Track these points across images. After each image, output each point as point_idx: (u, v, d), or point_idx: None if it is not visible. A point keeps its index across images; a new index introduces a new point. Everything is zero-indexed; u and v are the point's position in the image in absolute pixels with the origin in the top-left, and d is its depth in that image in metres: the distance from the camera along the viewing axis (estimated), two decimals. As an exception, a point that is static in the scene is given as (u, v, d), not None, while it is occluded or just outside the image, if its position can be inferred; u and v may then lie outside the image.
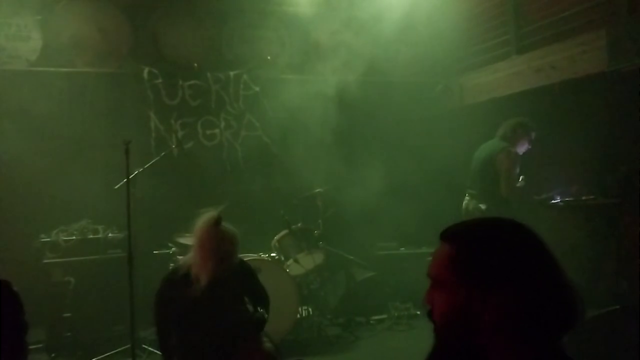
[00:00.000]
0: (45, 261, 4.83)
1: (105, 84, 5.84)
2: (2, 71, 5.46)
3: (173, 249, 5.06)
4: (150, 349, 4.68)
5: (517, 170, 4.93)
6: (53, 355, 4.69)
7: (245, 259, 3.53)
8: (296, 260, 5.04)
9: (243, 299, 3.19)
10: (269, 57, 6.46)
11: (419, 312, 5.59)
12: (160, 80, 6.00)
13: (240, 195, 5.69)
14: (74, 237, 4.97)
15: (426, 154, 6.27)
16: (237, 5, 6.39)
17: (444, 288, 1.26)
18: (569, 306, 1.19)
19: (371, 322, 5.56)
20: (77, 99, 5.73)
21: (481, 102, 6.37)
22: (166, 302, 3.07)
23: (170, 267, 4.81)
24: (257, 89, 6.36)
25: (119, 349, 4.55)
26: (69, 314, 4.75)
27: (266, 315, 3.22)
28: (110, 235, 5.08)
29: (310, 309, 5.20)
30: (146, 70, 5.95)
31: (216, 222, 3.01)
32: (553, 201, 4.86)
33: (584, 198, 4.77)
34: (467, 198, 5.21)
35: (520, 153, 4.95)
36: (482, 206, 4.96)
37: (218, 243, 2.99)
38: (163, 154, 5.30)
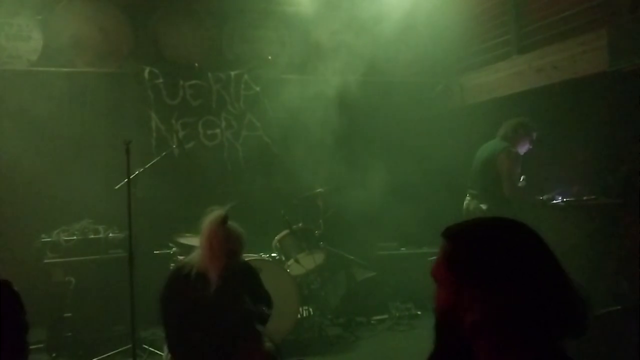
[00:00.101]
0: (46, 261, 4.83)
1: (106, 84, 5.84)
2: (3, 71, 5.47)
3: (174, 249, 5.06)
4: (150, 349, 4.69)
5: (519, 170, 4.93)
6: (54, 355, 4.69)
7: (246, 259, 3.53)
8: (297, 260, 5.04)
9: (246, 299, 3.19)
10: (269, 57, 6.46)
11: (419, 312, 5.60)
12: (161, 80, 6.00)
13: (241, 195, 5.66)
14: (74, 237, 4.97)
15: (427, 154, 6.27)
16: (237, 5, 6.39)
17: (441, 285, 1.27)
18: (570, 307, 1.18)
19: (372, 322, 5.55)
20: (77, 99, 5.74)
21: (482, 102, 6.37)
22: (172, 298, 3.08)
23: (172, 267, 4.84)
24: (258, 88, 6.36)
25: (120, 349, 4.56)
26: (69, 314, 4.75)
27: (269, 311, 3.22)
28: (111, 235, 5.08)
29: (310, 309, 5.20)
30: (147, 70, 5.95)
31: (223, 221, 3.03)
32: (554, 201, 4.86)
33: (584, 198, 4.76)
34: (468, 198, 5.21)
35: (521, 153, 4.95)
36: (483, 206, 4.96)
37: (225, 241, 3.01)
38: (164, 154, 5.31)
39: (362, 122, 6.48)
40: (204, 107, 6.20)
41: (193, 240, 4.83)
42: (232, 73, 6.29)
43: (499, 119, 5.18)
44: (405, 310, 5.60)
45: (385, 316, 5.65)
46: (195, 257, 3.10)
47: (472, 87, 6.60)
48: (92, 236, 5.05)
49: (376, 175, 5.87)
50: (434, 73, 6.99)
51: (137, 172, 4.71)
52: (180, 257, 4.85)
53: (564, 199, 4.80)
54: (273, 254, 5.21)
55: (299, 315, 4.89)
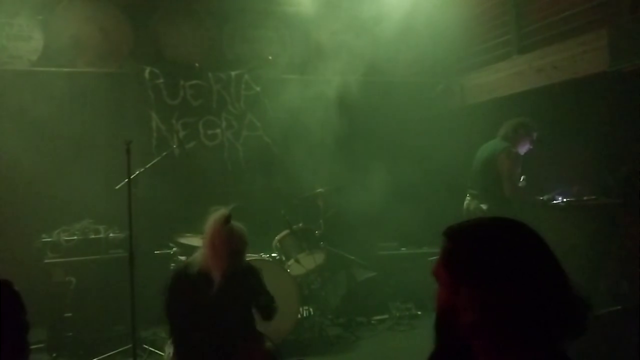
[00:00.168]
0: (47, 261, 4.83)
1: (106, 84, 5.85)
2: (4, 71, 5.47)
3: (174, 249, 5.06)
4: (151, 349, 4.69)
5: (519, 170, 4.93)
6: (54, 355, 4.69)
7: (247, 259, 3.53)
8: (297, 260, 5.04)
9: (248, 300, 3.19)
10: (270, 57, 6.46)
11: (420, 312, 5.59)
12: (161, 80, 6.00)
13: (242, 195, 5.67)
14: (75, 237, 4.97)
15: (427, 153, 6.27)
16: (238, 5, 6.40)
17: (441, 285, 1.27)
18: (569, 307, 1.18)
19: (372, 322, 5.55)
20: (78, 99, 5.74)
21: (482, 102, 6.37)
22: (175, 297, 3.09)
23: (172, 266, 4.85)
24: (258, 88, 6.36)
25: (120, 349, 4.55)
26: (70, 314, 4.75)
27: (275, 304, 3.22)
28: (111, 235, 5.08)
29: (311, 309, 5.21)
30: (147, 70, 5.96)
31: (226, 221, 3.04)
32: (554, 201, 4.86)
33: (585, 198, 4.76)
34: (468, 198, 5.21)
35: (522, 153, 4.95)
36: (484, 206, 4.96)
37: (228, 241, 3.02)
38: (164, 154, 5.31)
39: (363, 122, 6.48)
40: (204, 107, 6.20)
41: (193, 240, 4.83)
42: (233, 73, 6.30)
43: (499, 119, 5.18)
44: (405, 310, 5.59)
45: (386, 316, 5.64)
46: (198, 256, 3.11)
47: (473, 87, 6.60)
48: (93, 236, 5.05)
49: (376, 175, 5.87)
50: (434, 73, 7.00)
51: (137, 172, 4.71)
52: (181, 257, 4.87)
53: (564, 199, 4.81)
54: (273, 254, 5.21)
55: (299, 315, 4.89)
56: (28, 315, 1.95)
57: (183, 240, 4.93)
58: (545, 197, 4.91)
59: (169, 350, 3.17)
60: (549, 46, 5.37)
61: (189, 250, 4.84)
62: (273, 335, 3.34)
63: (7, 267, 4.38)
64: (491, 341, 1.19)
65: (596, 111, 4.99)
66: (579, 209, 4.78)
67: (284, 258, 5.14)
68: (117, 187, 4.68)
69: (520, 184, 4.97)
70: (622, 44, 4.44)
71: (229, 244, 3.02)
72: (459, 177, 5.59)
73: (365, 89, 6.33)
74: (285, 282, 4.70)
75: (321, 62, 6.43)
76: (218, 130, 6.24)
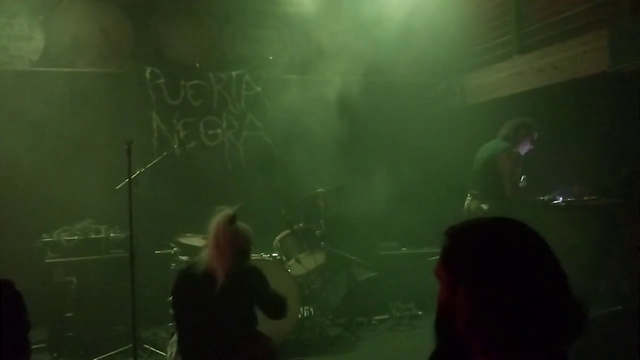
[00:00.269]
0: (47, 261, 4.83)
1: (107, 84, 5.85)
2: (5, 71, 5.48)
3: (175, 249, 5.06)
4: (152, 348, 4.69)
5: (519, 170, 4.93)
6: (55, 354, 4.70)
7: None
8: (298, 260, 5.04)
9: (250, 300, 3.19)
10: (270, 57, 6.46)
11: (420, 312, 5.59)
12: (162, 80, 6.01)
13: (242, 195, 5.68)
14: (75, 237, 4.97)
15: (427, 154, 6.27)
16: (238, 5, 6.40)
17: (441, 284, 1.27)
18: (567, 308, 1.18)
19: (373, 322, 5.55)
20: (78, 99, 5.74)
21: (483, 102, 6.37)
22: (179, 296, 3.10)
23: (173, 266, 4.86)
24: (259, 89, 6.37)
25: (121, 349, 4.56)
26: (70, 314, 4.75)
27: (279, 300, 3.22)
28: (112, 235, 5.08)
29: (311, 309, 5.21)
30: (148, 71, 5.96)
31: (230, 220, 3.04)
32: (555, 201, 4.86)
33: (585, 198, 4.76)
34: (469, 198, 5.21)
35: (522, 153, 4.95)
36: (484, 206, 4.96)
37: (232, 241, 3.01)
38: (165, 154, 5.32)
39: (363, 122, 6.48)
40: (205, 107, 6.20)
41: (194, 241, 4.84)
42: (233, 73, 6.30)
43: (500, 119, 5.18)
44: (406, 311, 5.59)
45: (386, 316, 5.64)
46: (204, 256, 3.11)
47: (473, 87, 6.60)
48: (93, 236, 5.05)
49: (377, 175, 5.87)
50: (434, 73, 7.00)
51: (138, 172, 4.72)
52: (182, 257, 4.87)
53: (565, 199, 4.81)
54: (274, 254, 5.21)
55: (299, 316, 4.89)
56: (29, 315, 1.96)
57: (183, 241, 4.93)
58: (546, 197, 4.91)
59: (171, 350, 3.17)
60: (550, 46, 5.37)
61: (189, 250, 4.84)
62: (273, 335, 3.34)
63: (7, 267, 4.39)
64: (490, 341, 1.18)
65: (596, 111, 4.99)
66: (579, 209, 4.78)
67: (284, 258, 5.14)
68: (117, 187, 4.68)
69: (521, 184, 4.96)
70: (622, 44, 4.44)
71: (234, 244, 3.02)
72: (459, 177, 5.59)
73: (366, 89, 6.32)
74: (286, 282, 4.69)
75: (322, 62, 6.44)
76: (219, 131, 6.25)
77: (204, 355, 3.00)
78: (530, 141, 4.98)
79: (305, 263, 5.06)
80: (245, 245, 3.09)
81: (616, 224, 4.59)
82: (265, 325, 3.30)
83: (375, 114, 6.52)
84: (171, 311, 3.12)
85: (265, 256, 5.04)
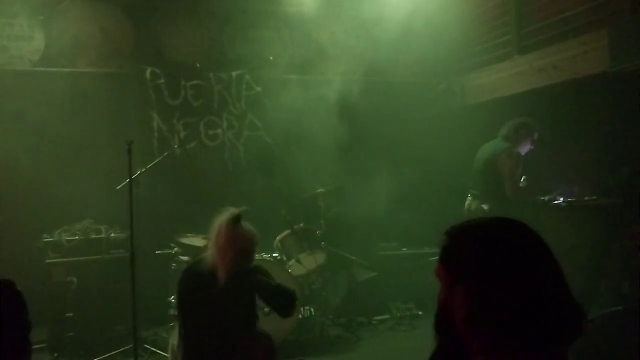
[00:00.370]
0: (48, 261, 4.83)
1: (107, 84, 5.85)
2: (5, 71, 5.48)
3: (175, 249, 5.06)
4: (152, 349, 4.69)
5: (520, 170, 4.93)
6: (55, 354, 4.70)
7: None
8: (298, 260, 5.04)
9: (250, 300, 3.19)
10: (271, 57, 6.47)
11: (420, 312, 5.60)
12: (162, 81, 6.01)
13: (242, 196, 5.69)
14: (76, 237, 4.97)
15: (428, 154, 6.26)
16: (238, 5, 6.40)
17: (440, 283, 1.27)
18: (567, 308, 1.18)
19: (373, 322, 5.55)
20: (79, 99, 5.75)
21: (483, 102, 6.37)
22: (183, 295, 3.11)
23: (173, 267, 4.87)
24: (259, 89, 6.37)
25: (121, 349, 4.55)
26: (71, 314, 4.76)
27: (293, 291, 3.20)
28: (112, 235, 5.09)
29: (312, 309, 5.21)
30: (148, 71, 5.96)
31: (233, 220, 3.04)
32: (555, 202, 4.86)
33: (585, 199, 4.76)
34: (469, 198, 5.21)
35: (523, 153, 4.95)
36: (485, 206, 4.96)
37: (233, 241, 3.02)
38: (165, 154, 5.32)
39: (363, 122, 6.48)
40: (205, 107, 6.21)
41: (194, 240, 4.84)
42: (234, 73, 6.30)
43: (500, 119, 5.18)
44: (406, 311, 5.60)
45: (387, 316, 5.65)
46: (208, 255, 3.12)
47: (473, 87, 6.60)
48: (94, 236, 5.05)
49: (377, 175, 5.87)
50: (435, 73, 6.99)
51: (139, 172, 4.72)
52: (182, 257, 4.87)
53: (565, 200, 4.81)
54: (274, 254, 5.22)
55: (300, 316, 4.89)
56: (30, 315, 1.96)
57: (184, 241, 4.93)
58: (546, 198, 4.91)
59: (173, 341, 3.18)
60: (550, 46, 5.37)
61: (189, 250, 4.85)
62: (274, 335, 3.34)
63: (8, 267, 4.41)
64: (490, 341, 1.19)
65: (596, 111, 4.99)
66: (579, 210, 4.79)
67: (284, 258, 5.15)
68: (118, 187, 4.68)
69: (521, 184, 4.96)
70: (622, 44, 4.44)
71: (235, 243, 3.02)
72: (459, 177, 5.59)
73: (366, 89, 6.32)
74: (286, 282, 4.68)
75: (322, 63, 6.44)
76: (219, 131, 6.25)
77: (204, 355, 3.00)
78: (531, 141, 4.98)
79: (305, 263, 5.06)
80: (247, 245, 3.09)
81: (616, 224, 4.59)
82: (265, 325, 3.30)
83: (375, 114, 6.52)
84: (174, 302, 3.12)
85: (266, 256, 5.05)
